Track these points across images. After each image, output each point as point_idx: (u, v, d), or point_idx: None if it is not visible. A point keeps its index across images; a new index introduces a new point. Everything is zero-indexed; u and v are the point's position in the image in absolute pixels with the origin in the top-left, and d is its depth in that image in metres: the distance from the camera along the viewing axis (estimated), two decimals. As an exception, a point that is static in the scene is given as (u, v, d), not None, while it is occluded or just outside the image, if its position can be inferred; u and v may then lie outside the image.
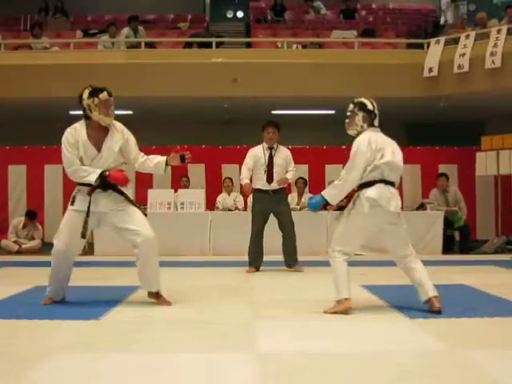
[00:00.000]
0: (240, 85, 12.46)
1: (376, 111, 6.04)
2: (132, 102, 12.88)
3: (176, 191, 11.54)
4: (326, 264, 7.83)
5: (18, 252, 11.77)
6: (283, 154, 9.02)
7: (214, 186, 12.62)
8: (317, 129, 14.85)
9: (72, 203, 5.99)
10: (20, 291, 6.98)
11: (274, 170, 8.86)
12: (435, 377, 3.80)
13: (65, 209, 12.40)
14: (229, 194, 12.28)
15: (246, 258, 8.93)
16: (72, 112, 14.03)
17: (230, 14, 21.33)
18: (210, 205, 11.93)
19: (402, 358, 4.18)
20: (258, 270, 8.88)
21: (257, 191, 8.99)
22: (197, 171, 12.81)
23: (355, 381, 3.75)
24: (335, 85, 12.45)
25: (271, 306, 6.09)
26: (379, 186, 5.61)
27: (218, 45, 13.98)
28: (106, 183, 5.85)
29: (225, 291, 6.96)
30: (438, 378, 3.77)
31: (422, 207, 11.95)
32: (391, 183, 5.73)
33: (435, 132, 14.14)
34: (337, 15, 17.55)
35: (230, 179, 12.38)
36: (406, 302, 6.05)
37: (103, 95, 5.97)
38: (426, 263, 8.75)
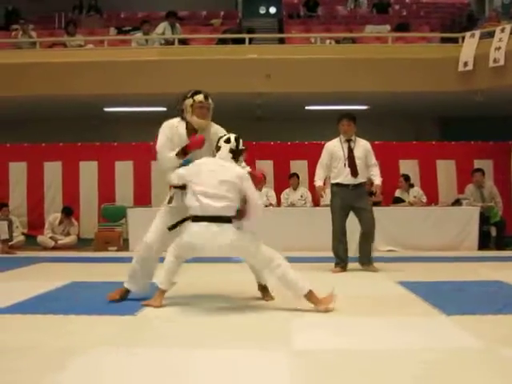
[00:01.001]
0: (273, 81, 12.44)
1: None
2: (165, 98, 12.91)
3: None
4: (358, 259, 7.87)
5: (54, 248, 11.91)
6: (362, 147, 8.46)
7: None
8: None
9: (169, 202, 6.00)
10: (57, 286, 7.04)
11: (356, 163, 8.34)
12: (472, 374, 3.76)
13: (100, 205, 12.62)
14: (260, 191, 12.25)
15: (288, 254, 8.85)
16: (106, 109, 14.27)
17: (262, 10, 21.28)
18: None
19: (438, 354, 4.14)
20: (344, 270, 8.37)
21: (335, 186, 8.49)
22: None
23: (390, 378, 3.72)
24: (368, 80, 12.38)
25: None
26: None
27: (251, 41, 13.98)
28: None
29: (255, 287, 6.96)
30: (475, 375, 3.73)
31: (457, 203, 11.85)
32: None
33: (470, 127, 13.98)
34: (370, 10, 17.45)
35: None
36: (442, 299, 6.00)
37: (198, 97, 6.05)
38: (461, 259, 8.74)
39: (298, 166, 12.96)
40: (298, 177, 12.42)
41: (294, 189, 12.34)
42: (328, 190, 11.97)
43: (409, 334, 4.76)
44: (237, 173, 5.56)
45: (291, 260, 9.11)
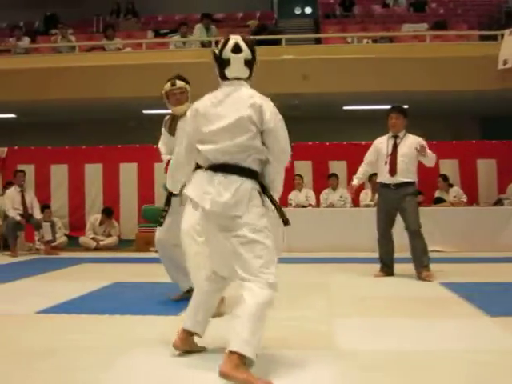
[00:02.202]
0: (310, 81, 12.44)
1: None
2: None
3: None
4: (399, 260, 7.83)
5: (96, 248, 12.04)
6: (412, 144, 7.75)
7: (287, 183, 12.59)
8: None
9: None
10: (100, 287, 7.14)
11: (398, 161, 7.74)
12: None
13: (139, 206, 12.73)
14: (300, 191, 12.32)
15: (320, 255, 8.87)
16: (145, 111, 14.38)
17: (298, 11, 21.25)
18: (283, 201, 11.95)
19: (481, 356, 4.13)
20: (388, 275, 7.90)
21: (380, 186, 8.05)
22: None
23: (433, 379, 3.73)
24: (407, 79, 12.31)
25: (348, 304, 6.08)
26: None
27: (287, 41, 14.00)
28: None
29: (301, 288, 6.96)
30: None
31: (498, 203, 11.74)
32: None
33: (511, 125, 13.83)
34: (407, 8, 17.35)
35: (301, 176, 12.41)
36: (486, 300, 5.97)
37: (166, 86, 6.06)
38: (504, 260, 8.65)
39: (337, 167, 12.92)
40: (337, 177, 12.40)
41: (334, 189, 12.33)
42: (368, 191, 12.03)
43: (452, 336, 4.74)
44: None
45: (331, 261, 9.16)
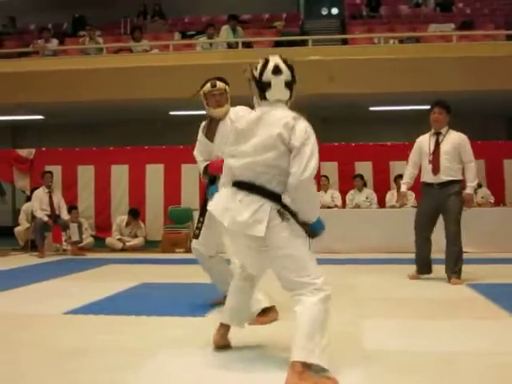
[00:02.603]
0: (337, 82, 12.42)
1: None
2: (231, 101, 13.04)
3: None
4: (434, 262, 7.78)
5: (122, 249, 12.12)
6: (455, 141, 7.50)
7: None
8: (416, 124, 14.62)
9: None
10: (126, 288, 7.18)
11: (441, 159, 7.43)
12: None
13: (166, 207, 12.81)
14: (325, 192, 12.31)
15: (346, 256, 8.85)
16: (172, 112, 14.45)
17: (324, 11, 21.20)
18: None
19: (508, 358, 4.11)
20: (426, 273, 7.68)
21: (423, 185, 7.71)
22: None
23: (459, 381, 3.72)
24: (433, 79, 12.25)
25: (375, 305, 6.07)
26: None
27: (313, 42, 14.00)
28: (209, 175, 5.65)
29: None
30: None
31: (526, 203, 11.66)
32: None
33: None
34: (433, 8, 17.26)
35: (326, 177, 12.40)
36: (512, 301, 5.93)
37: (206, 87, 5.88)
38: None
39: (363, 168, 12.89)
40: (362, 178, 12.37)
41: (359, 190, 12.30)
42: (394, 191, 11.97)
43: (478, 337, 4.72)
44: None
45: (357, 262, 9.13)
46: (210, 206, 4.03)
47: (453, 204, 7.38)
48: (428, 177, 7.55)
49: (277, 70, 3.97)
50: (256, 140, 3.86)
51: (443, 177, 7.41)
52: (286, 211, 3.80)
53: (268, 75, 3.96)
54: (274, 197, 3.80)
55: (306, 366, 3.64)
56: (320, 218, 4.05)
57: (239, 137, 3.98)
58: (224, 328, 4.37)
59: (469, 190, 7.48)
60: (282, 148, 3.77)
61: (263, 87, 3.97)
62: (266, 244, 3.83)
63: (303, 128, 3.82)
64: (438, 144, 7.55)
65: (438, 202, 7.42)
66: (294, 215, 3.83)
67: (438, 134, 7.60)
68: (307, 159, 3.74)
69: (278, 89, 3.96)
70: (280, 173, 3.81)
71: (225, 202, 3.91)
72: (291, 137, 3.77)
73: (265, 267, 4.12)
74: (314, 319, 3.75)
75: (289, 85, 4.00)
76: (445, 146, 7.48)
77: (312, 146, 3.80)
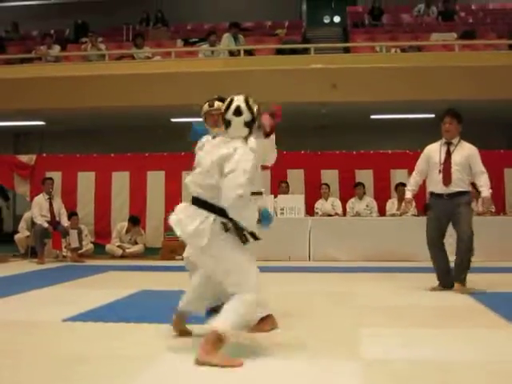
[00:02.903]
0: (338, 90, 12.43)
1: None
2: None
3: (275, 197, 11.62)
4: (428, 270, 7.77)
5: (122, 256, 12.11)
6: (465, 152, 7.34)
7: (314, 192, 12.58)
8: (417, 133, 14.64)
9: None
10: (126, 295, 7.16)
11: (452, 170, 7.26)
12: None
13: (166, 215, 12.77)
14: (326, 200, 12.31)
15: (346, 264, 8.86)
16: (173, 120, 14.45)
17: (326, 20, 21.27)
18: (310, 210, 11.95)
19: (506, 366, 4.10)
20: (446, 288, 7.39)
21: (431, 196, 7.54)
22: (296, 177, 12.84)
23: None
24: (435, 88, 12.27)
25: (375, 313, 6.05)
26: None
27: (316, 50, 14.02)
28: None
29: (327, 297, 6.95)
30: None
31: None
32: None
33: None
34: (435, 17, 17.27)
35: (327, 185, 12.42)
36: (513, 310, 5.90)
37: (204, 107, 5.91)
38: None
39: (364, 176, 12.89)
40: (363, 186, 12.36)
41: (360, 198, 12.29)
42: (394, 200, 11.95)
43: (477, 346, 4.70)
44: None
45: (357, 270, 9.11)
46: (170, 217, 4.57)
47: (465, 212, 7.24)
48: (437, 187, 7.36)
49: (237, 112, 4.44)
50: (205, 165, 4.45)
51: (453, 188, 7.25)
52: (230, 223, 4.29)
53: (229, 115, 4.46)
54: (219, 211, 4.29)
55: (219, 340, 4.16)
56: (267, 212, 5.06)
57: (199, 159, 4.87)
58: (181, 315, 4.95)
59: (486, 193, 7.24)
60: (217, 175, 4.34)
61: (226, 124, 4.49)
62: (210, 252, 4.34)
63: (238, 157, 4.29)
64: (449, 154, 7.36)
65: (448, 212, 7.27)
66: (238, 227, 4.30)
67: (449, 143, 7.42)
68: (232, 183, 4.20)
69: (236, 128, 4.45)
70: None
71: (179, 214, 4.49)
72: (225, 165, 4.29)
73: (214, 271, 4.50)
74: (236, 307, 4.27)
75: (248, 124, 4.46)
76: (456, 157, 7.31)
77: (240, 169, 4.23)
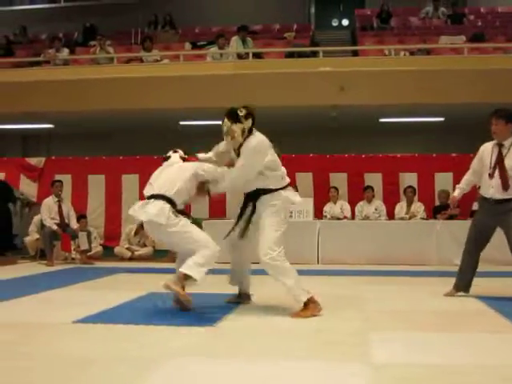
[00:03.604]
0: (347, 93, 12.42)
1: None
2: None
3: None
4: (437, 274, 7.75)
5: (131, 259, 12.11)
6: None
7: (322, 195, 12.55)
8: (426, 136, 14.66)
9: None
10: (135, 297, 7.17)
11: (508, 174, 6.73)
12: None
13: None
14: (335, 203, 12.28)
15: (355, 268, 8.83)
16: (182, 123, 14.47)
17: (335, 23, 21.27)
18: (318, 213, 11.92)
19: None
20: (462, 291, 7.19)
21: (480, 199, 7.12)
22: (305, 180, 12.80)
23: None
24: (444, 91, 12.24)
25: (383, 317, 6.04)
26: None
27: (324, 53, 14.03)
28: None
29: (335, 301, 6.92)
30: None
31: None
32: None
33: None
34: (444, 20, 17.26)
35: (336, 188, 12.38)
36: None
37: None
38: None
39: (373, 179, 12.83)
40: (372, 189, 12.32)
41: (369, 201, 12.24)
42: (403, 203, 11.91)
43: (487, 350, 4.70)
44: None
45: (365, 273, 9.09)
46: (131, 210, 6.30)
47: (509, 220, 6.73)
48: (486, 191, 6.90)
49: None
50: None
51: (506, 194, 6.75)
52: (177, 213, 6.06)
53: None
54: (171, 203, 6.04)
55: (186, 277, 5.94)
56: None
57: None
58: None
59: None
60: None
61: None
62: (166, 230, 5.98)
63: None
64: (500, 157, 6.83)
65: (493, 218, 6.85)
66: (184, 214, 6.18)
67: (500, 145, 6.90)
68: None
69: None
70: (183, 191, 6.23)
71: (141, 205, 6.14)
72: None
73: (172, 245, 6.59)
74: (197, 259, 5.94)
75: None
76: (508, 161, 6.79)
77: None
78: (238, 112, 6.00)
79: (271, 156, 6.11)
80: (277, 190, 6.04)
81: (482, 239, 7.03)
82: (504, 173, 6.71)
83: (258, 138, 6.05)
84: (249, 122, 6.02)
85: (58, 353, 4.55)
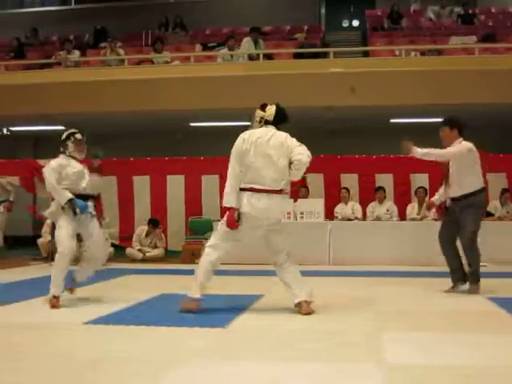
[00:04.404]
0: (357, 94, 12.40)
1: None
2: (251, 113, 13.02)
3: (295, 201, 11.59)
4: (448, 275, 7.71)
5: (142, 260, 12.11)
6: None
7: (333, 196, 12.53)
8: (437, 137, 14.56)
9: None
10: (146, 298, 7.18)
11: None
12: None
13: (187, 218, 12.80)
14: (346, 204, 12.26)
15: (367, 268, 8.80)
16: (192, 124, 14.49)
17: (345, 24, 21.24)
18: (329, 214, 11.90)
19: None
20: (460, 283, 7.53)
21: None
22: (316, 181, 12.79)
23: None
24: (455, 92, 12.21)
25: (396, 318, 6.02)
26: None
27: (335, 54, 14.02)
28: None
29: (347, 301, 6.93)
30: None
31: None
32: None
33: None
34: (455, 21, 17.21)
35: (347, 189, 12.36)
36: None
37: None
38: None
39: (384, 180, 12.80)
40: (384, 190, 12.29)
41: (380, 202, 12.21)
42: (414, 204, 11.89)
43: (501, 351, 4.67)
44: None
45: (377, 274, 9.08)
46: None
47: (465, 218, 7.34)
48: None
49: None
50: None
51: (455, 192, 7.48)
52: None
53: None
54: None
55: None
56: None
57: None
58: None
59: None
60: None
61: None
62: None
63: None
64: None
65: (455, 215, 7.48)
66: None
67: None
68: None
69: None
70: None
71: None
72: None
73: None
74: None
75: None
76: (452, 163, 7.60)
77: None
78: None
79: None
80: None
81: (446, 236, 7.57)
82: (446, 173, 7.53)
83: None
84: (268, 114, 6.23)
85: (68, 354, 4.55)
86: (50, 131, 15.93)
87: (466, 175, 7.39)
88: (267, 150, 6.02)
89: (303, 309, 6.02)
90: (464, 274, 7.48)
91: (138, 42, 17.69)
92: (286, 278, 6.16)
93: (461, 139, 7.56)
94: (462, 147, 7.45)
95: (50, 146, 16.94)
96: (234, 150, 6.11)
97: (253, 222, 6.03)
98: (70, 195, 6.67)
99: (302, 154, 6.06)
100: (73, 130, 7.21)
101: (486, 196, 7.99)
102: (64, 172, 6.85)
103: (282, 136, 6.15)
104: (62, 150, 7.18)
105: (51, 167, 6.86)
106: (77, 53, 15.39)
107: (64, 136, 7.18)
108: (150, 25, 18.16)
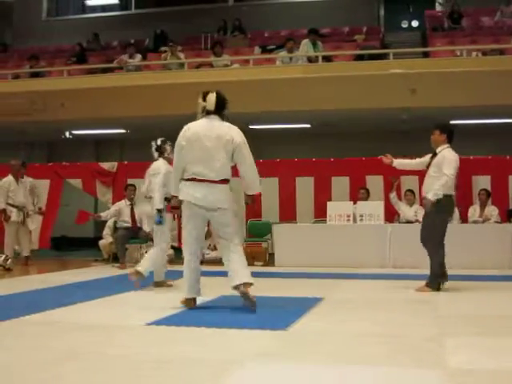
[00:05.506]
0: (418, 95, 12.28)
1: None
2: (310, 115, 13.05)
3: (355, 203, 11.53)
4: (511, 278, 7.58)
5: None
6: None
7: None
8: (499, 138, 14.36)
9: None
10: (207, 300, 7.22)
11: None
12: None
13: (246, 221, 12.76)
14: (411, 206, 12.09)
15: (424, 272, 8.66)
16: (251, 126, 14.52)
17: (404, 24, 21.00)
18: (389, 217, 11.79)
19: None
20: (445, 280, 8.01)
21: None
22: (375, 183, 12.68)
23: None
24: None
25: (458, 322, 5.93)
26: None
27: (394, 55, 13.89)
28: None
29: (408, 305, 6.86)
30: None
31: None
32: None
33: None
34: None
35: (411, 191, 12.19)
36: None
37: None
38: None
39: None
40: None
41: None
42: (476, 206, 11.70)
43: None
44: None
45: (421, 277, 8.95)
46: None
47: (425, 220, 8.16)
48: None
49: None
50: None
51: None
52: None
53: None
54: None
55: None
56: None
57: None
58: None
59: None
60: None
61: None
62: None
63: None
64: (430, 162, 8.55)
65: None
66: None
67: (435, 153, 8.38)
68: None
69: None
70: None
71: None
72: None
73: None
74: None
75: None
76: (432, 166, 8.45)
77: None
78: None
79: None
80: None
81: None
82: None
83: None
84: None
85: (132, 355, 4.59)
86: (112, 134, 16.22)
87: None
88: (205, 142, 6.25)
89: (240, 291, 6.42)
90: None
91: (197, 45, 17.83)
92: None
93: (447, 145, 8.37)
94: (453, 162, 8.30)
95: (112, 149, 17.33)
96: (175, 144, 6.54)
97: (193, 209, 6.37)
98: None
99: (246, 171, 6.48)
100: (162, 138, 8.42)
101: None
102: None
103: (224, 127, 6.39)
104: (158, 154, 8.52)
105: (168, 170, 7.71)
106: (139, 57, 15.60)
107: (159, 142, 8.43)
108: (209, 28, 18.28)
